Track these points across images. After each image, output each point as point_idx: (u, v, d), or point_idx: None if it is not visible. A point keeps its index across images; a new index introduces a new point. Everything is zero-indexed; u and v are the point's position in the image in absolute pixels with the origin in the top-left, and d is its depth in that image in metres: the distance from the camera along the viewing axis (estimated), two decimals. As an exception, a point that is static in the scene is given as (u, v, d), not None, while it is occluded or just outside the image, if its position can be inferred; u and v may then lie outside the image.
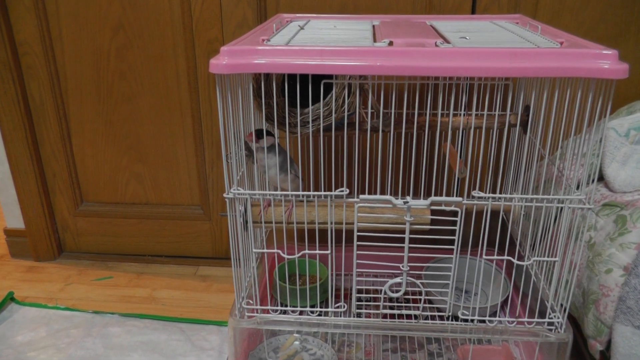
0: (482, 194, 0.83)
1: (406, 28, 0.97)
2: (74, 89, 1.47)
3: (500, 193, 1.05)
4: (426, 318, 1.15)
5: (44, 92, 1.48)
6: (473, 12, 1.28)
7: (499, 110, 0.94)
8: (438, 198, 0.81)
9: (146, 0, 1.35)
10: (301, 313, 0.97)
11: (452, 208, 0.84)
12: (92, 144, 1.54)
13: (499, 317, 1.21)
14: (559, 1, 1.26)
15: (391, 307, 1.14)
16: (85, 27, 1.40)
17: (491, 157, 0.92)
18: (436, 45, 0.80)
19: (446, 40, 0.86)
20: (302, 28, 1.00)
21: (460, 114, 0.99)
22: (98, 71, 1.44)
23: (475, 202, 0.86)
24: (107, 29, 1.39)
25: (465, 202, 0.85)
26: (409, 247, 0.88)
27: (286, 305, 1.17)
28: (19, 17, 1.40)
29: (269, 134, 0.92)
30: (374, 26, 1.05)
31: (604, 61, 0.75)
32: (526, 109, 1.08)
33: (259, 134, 0.91)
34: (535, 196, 0.87)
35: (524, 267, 1.07)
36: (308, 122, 0.90)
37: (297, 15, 1.21)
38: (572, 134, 0.86)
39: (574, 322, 1.07)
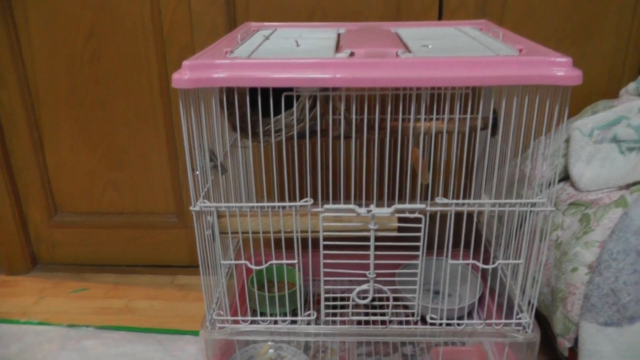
0: (445, 200, 0.85)
1: (370, 37, 0.98)
2: (46, 96, 1.46)
3: (469, 196, 1.07)
4: (400, 322, 1.17)
5: (14, 101, 1.46)
6: (440, 16, 1.30)
7: (468, 114, 0.96)
8: (402, 205, 0.82)
9: (118, 7, 1.35)
10: (276, 320, 0.98)
11: (416, 215, 0.85)
12: (66, 152, 1.52)
13: (474, 317, 1.23)
14: (525, 3, 1.28)
15: (366, 314, 1.15)
16: (57, 34, 1.39)
17: (458, 161, 0.94)
18: (397, 55, 0.81)
19: (408, 49, 0.87)
20: (267, 38, 1.00)
21: (429, 118, 1.00)
22: (71, 78, 1.43)
23: (439, 208, 0.87)
24: (79, 35, 1.38)
25: (428, 208, 0.86)
26: (379, 252, 0.90)
27: (263, 312, 1.17)
28: (-16, 26, 1.38)
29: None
30: (339, 35, 1.06)
31: (559, 68, 0.76)
32: (494, 112, 1.10)
33: None
34: (497, 201, 0.89)
35: (495, 269, 1.09)
36: (276, 131, 0.91)
37: (265, 23, 1.21)
38: (532, 138, 0.87)
39: (545, 320, 1.09)
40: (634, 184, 1.02)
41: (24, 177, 1.56)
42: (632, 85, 1.22)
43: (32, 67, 1.43)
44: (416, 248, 0.90)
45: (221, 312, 0.96)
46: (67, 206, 1.60)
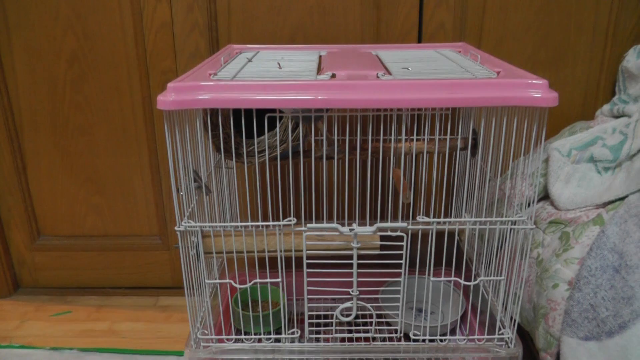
0: (426, 219, 0.86)
1: (351, 59, 1.00)
2: (29, 121, 1.46)
3: (450, 215, 1.09)
4: (384, 339, 1.17)
5: (-3, 126, 1.47)
6: (420, 39, 1.33)
7: (448, 135, 0.98)
8: (384, 224, 0.84)
9: (100, 31, 1.36)
10: (260, 339, 0.98)
11: (398, 233, 0.86)
12: (49, 176, 1.52)
13: (458, 334, 1.24)
14: (502, 28, 1.32)
15: (349, 331, 1.16)
16: (40, 59, 1.39)
17: (439, 180, 0.96)
18: (377, 77, 0.83)
19: (388, 72, 0.89)
20: (250, 60, 1.02)
21: (410, 139, 1.02)
22: (54, 103, 1.44)
23: (421, 226, 0.88)
24: (62, 60, 1.39)
25: (410, 227, 0.87)
26: (361, 270, 0.91)
27: (247, 332, 1.17)
28: (-32, 51, 1.39)
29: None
30: (320, 57, 1.08)
31: (536, 90, 0.79)
32: (473, 132, 1.12)
33: None
34: (478, 219, 0.91)
35: (477, 286, 1.10)
36: (260, 152, 0.92)
37: (247, 46, 1.23)
38: (511, 158, 0.89)
39: (528, 336, 1.11)
40: (610, 202, 1.04)
41: (6, 201, 1.55)
42: (606, 107, 1.26)
43: (15, 92, 1.43)
44: (399, 266, 0.92)
45: (206, 331, 0.96)
46: (49, 230, 1.59)
